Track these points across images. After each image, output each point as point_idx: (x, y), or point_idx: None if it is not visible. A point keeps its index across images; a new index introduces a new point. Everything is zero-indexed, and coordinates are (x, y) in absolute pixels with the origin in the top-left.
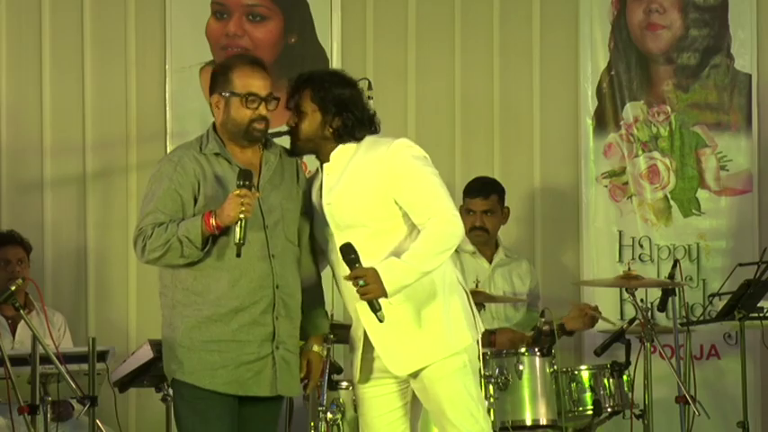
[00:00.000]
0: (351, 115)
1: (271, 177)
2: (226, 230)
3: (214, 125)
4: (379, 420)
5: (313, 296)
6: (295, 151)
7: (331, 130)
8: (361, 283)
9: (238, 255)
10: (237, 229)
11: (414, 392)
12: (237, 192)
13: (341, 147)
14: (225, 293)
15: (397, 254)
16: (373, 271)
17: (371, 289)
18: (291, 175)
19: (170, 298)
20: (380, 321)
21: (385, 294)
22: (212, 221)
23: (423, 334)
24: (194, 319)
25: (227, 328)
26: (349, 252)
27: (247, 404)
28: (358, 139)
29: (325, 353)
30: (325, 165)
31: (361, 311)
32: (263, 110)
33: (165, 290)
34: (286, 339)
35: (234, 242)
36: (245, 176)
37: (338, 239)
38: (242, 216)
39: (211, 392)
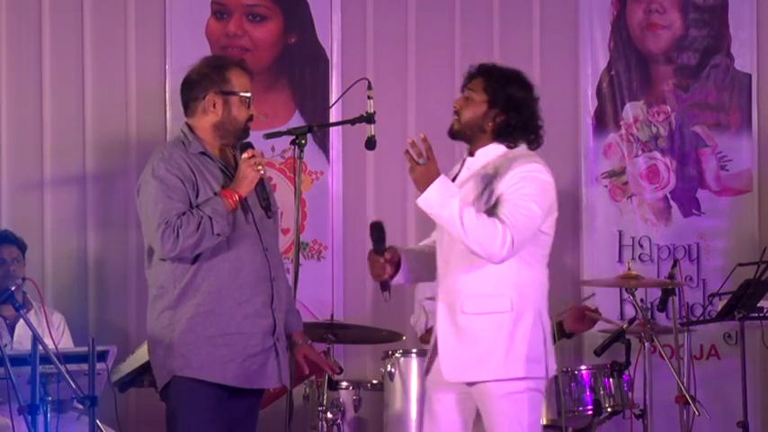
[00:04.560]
0: (517, 117)
1: None
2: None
3: (189, 127)
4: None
5: (290, 295)
6: (451, 133)
7: (492, 125)
8: (422, 161)
9: (269, 216)
10: (258, 191)
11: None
12: (246, 155)
13: (491, 146)
14: (227, 285)
15: (493, 275)
16: (435, 170)
17: (420, 172)
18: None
19: (168, 299)
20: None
21: (423, 189)
22: (235, 196)
23: (486, 349)
24: (197, 315)
25: (232, 320)
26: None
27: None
28: (513, 144)
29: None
30: (468, 158)
31: (439, 313)
32: (253, 110)
33: (163, 291)
34: (282, 332)
35: (261, 205)
36: (247, 146)
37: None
38: (262, 172)
39: (217, 388)
